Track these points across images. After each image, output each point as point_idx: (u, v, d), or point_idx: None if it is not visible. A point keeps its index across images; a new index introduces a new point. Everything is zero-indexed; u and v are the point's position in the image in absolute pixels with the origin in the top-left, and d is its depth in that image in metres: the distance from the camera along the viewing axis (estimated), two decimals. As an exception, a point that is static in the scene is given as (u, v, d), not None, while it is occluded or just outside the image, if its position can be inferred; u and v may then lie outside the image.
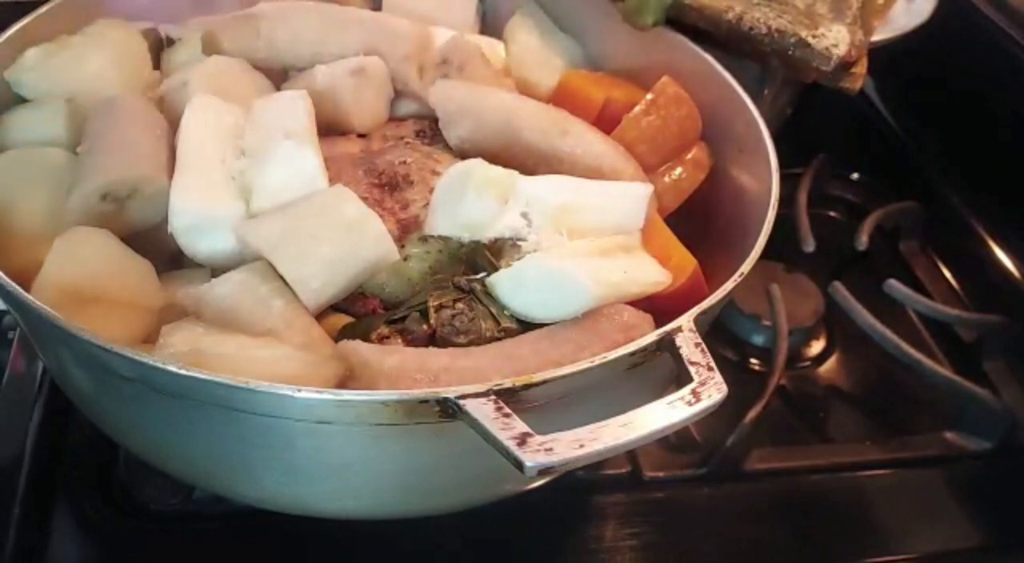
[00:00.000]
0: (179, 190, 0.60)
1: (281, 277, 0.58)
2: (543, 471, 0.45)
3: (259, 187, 0.62)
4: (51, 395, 0.74)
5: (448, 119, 0.70)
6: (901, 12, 0.93)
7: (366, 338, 0.57)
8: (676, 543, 0.71)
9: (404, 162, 0.68)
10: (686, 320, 0.53)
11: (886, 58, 0.88)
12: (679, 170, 0.74)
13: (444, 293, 0.60)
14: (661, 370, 0.55)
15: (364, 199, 0.62)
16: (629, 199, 0.63)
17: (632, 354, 0.51)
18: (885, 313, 0.84)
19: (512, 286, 0.59)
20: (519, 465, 0.45)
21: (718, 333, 0.87)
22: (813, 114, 0.95)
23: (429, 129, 0.73)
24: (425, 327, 0.59)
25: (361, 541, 0.68)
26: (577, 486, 0.73)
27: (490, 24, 0.87)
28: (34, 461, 0.70)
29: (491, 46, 0.81)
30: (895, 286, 0.87)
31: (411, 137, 0.72)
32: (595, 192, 0.63)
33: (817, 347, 0.89)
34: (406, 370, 0.53)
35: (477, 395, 0.47)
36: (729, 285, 0.57)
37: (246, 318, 0.56)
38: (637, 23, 0.78)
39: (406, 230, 0.64)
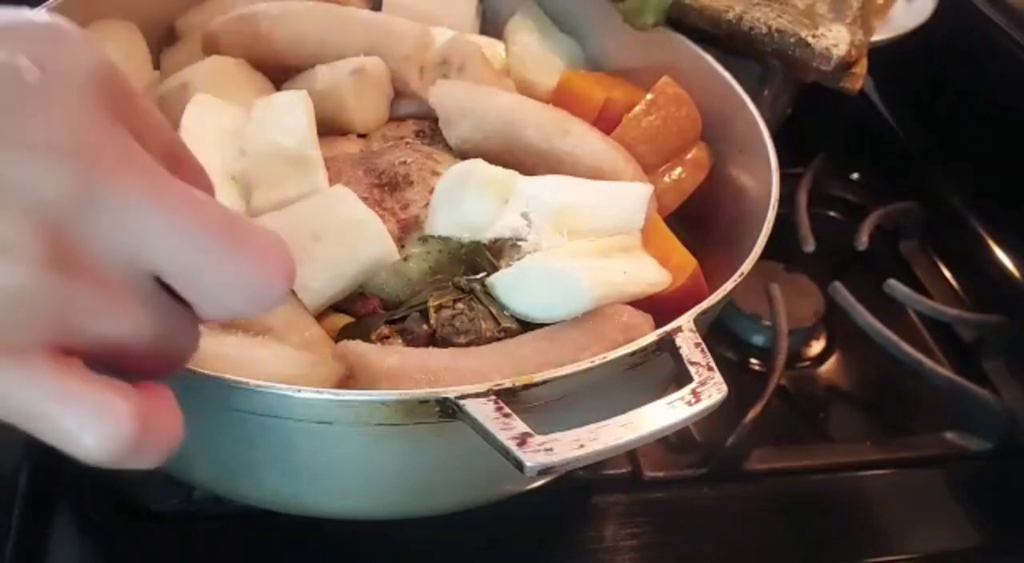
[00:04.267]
0: (179, 190, 0.60)
1: (281, 277, 0.58)
2: (543, 471, 0.45)
3: (259, 187, 0.62)
4: (51, 395, 0.74)
5: (448, 119, 0.70)
6: (901, 12, 0.93)
7: (366, 338, 0.57)
8: (676, 543, 0.71)
9: (404, 162, 0.67)
10: (686, 320, 0.53)
11: (886, 58, 0.88)
12: (679, 170, 0.74)
13: (444, 293, 0.60)
14: (661, 370, 0.54)
15: (364, 199, 0.62)
16: (629, 199, 0.63)
17: (632, 354, 0.51)
18: (885, 313, 0.84)
19: (512, 286, 0.59)
20: (519, 465, 0.45)
21: (718, 333, 0.87)
22: (813, 114, 0.95)
23: (429, 129, 0.73)
24: (425, 327, 0.59)
25: (361, 541, 0.68)
26: (577, 486, 0.73)
27: (490, 24, 0.86)
28: (34, 461, 0.70)
29: (491, 46, 0.80)
30: (895, 286, 0.87)
31: (411, 137, 0.72)
32: (595, 192, 0.63)
33: (817, 347, 0.89)
34: (406, 370, 0.53)
35: (477, 395, 0.47)
36: (729, 285, 0.57)
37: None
38: (637, 23, 0.78)
39: (406, 230, 0.64)
